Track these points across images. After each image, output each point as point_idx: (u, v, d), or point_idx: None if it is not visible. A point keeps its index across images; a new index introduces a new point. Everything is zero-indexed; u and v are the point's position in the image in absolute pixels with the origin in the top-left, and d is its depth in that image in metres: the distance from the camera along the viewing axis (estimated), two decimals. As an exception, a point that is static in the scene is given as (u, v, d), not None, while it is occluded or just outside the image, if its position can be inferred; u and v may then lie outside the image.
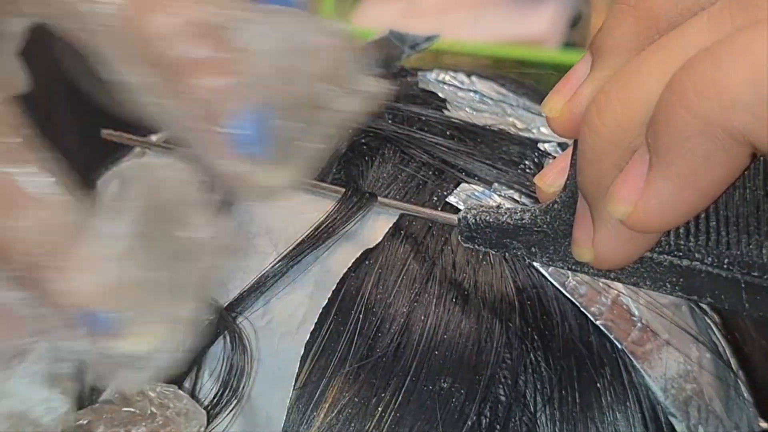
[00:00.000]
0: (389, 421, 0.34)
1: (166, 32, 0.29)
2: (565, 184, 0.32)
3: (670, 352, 0.39)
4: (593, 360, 0.37)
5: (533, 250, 0.33)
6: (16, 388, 0.34)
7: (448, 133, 0.42)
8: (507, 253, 0.34)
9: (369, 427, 0.34)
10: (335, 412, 0.34)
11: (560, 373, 0.36)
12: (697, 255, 0.30)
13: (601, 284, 0.39)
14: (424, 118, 0.43)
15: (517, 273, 0.38)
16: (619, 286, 0.39)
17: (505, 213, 0.33)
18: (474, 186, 0.40)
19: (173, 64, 0.29)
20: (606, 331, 0.38)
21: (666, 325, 0.40)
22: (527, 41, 1.11)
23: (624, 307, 0.39)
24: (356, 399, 0.34)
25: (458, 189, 0.39)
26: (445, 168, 0.40)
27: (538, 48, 1.10)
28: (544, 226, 0.33)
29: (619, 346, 0.38)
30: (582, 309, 0.38)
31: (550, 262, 0.33)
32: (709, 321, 0.42)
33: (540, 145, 0.44)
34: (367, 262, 0.36)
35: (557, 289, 0.38)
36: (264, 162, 0.29)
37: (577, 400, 0.36)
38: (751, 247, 0.29)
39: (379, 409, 0.34)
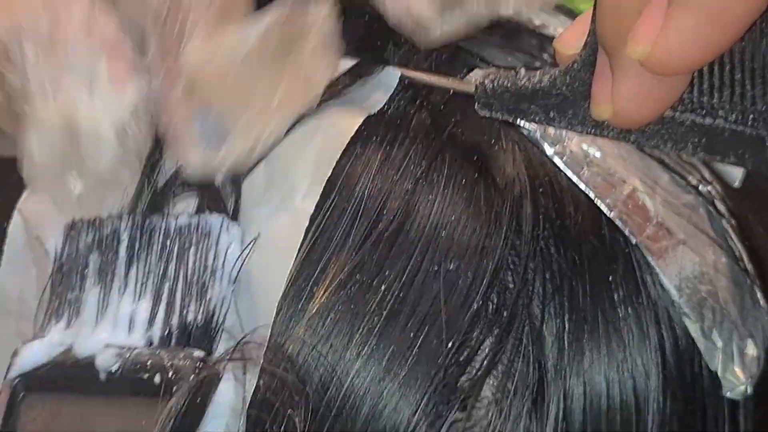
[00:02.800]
0: (392, 300, 0.33)
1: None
2: (586, 42, 0.30)
3: (686, 252, 0.38)
4: (606, 253, 0.36)
5: (551, 114, 0.32)
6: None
7: None
8: (525, 120, 0.33)
9: (371, 307, 0.33)
10: (336, 288, 0.33)
11: (571, 263, 0.35)
12: (720, 112, 0.29)
13: (616, 177, 0.37)
14: None
15: (530, 159, 0.36)
16: (636, 181, 0.38)
17: (524, 77, 0.32)
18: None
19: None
20: (620, 225, 0.36)
21: (682, 224, 0.38)
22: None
23: (640, 202, 0.37)
24: (358, 276, 0.33)
25: (471, 73, 0.38)
26: (458, 53, 0.39)
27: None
28: (564, 88, 0.31)
29: (634, 240, 0.36)
30: (596, 200, 0.36)
31: (569, 126, 0.32)
32: (726, 225, 0.40)
33: (558, 41, 0.42)
34: (375, 138, 0.35)
35: (570, 179, 0.37)
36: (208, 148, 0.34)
37: (588, 293, 0.35)
38: None
39: (382, 287, 0.33)
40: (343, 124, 0.35)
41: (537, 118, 0.32)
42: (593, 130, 0.31)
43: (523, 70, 0.33)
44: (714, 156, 0.29)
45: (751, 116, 0.28)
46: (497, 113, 0.33)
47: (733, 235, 0.40)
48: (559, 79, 0.31)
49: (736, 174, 0.42)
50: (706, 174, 0.41)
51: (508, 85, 0.32)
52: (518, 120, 0.33)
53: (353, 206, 0.34)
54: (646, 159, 0.39)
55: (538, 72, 0.32)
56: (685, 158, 0.41)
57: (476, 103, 0.33)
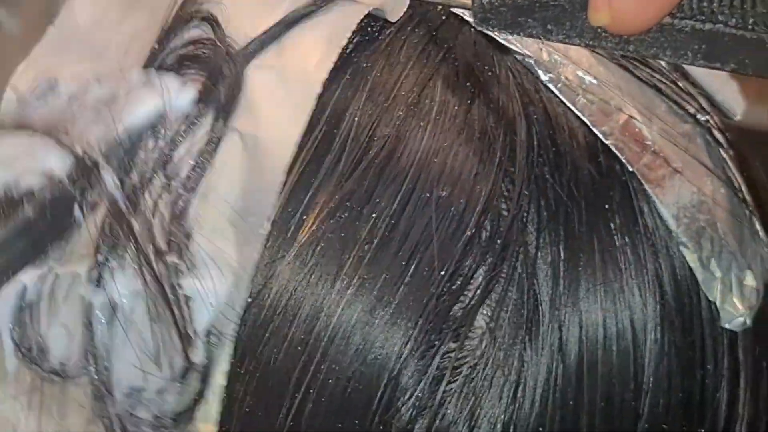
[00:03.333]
0: (383, 228, 0.32)
1: None
2: None
3: (683, 182, 0.37)
4: (602, 181, 0.35)
5: (549, 27, 0.31)
6: None
7: None
8: (522, 34, 0.32)
9: (362, 235, 0.32)
10: (326, 216, 0.32)
11: (567, 190, 0.34)
12: (720, 17, 0.28)
13: (612, 106, 0.36)
14: None
15: (524, 86, 0.35)
16: (632, 110, 0.37)
17: None
18: None
19: None
20: (617, 152, 0.35)
21: (680, 154, 0.37)
22: None
23: (636, 130, 0.36)
24: (348, 204, 0.32)
25: None
26: None
27: None
28: None
29: (630, 168, 0.35)
30: (592, 127, 0.35)
31: (567, 39, 0.31)
32: (724, 155, 0.40)
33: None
34: (364, 65, 0.34)
35: (566, 106, 0.36)
36: None
37: (584, 220, 0.34)
38: None
39: (373, 215, 0.32)
40: (352, 9, 0.34)
41: (534, 32, 0.32)
42: (592, 42, 0.31)
43: None
44: (714, 63, 0.29)
45: (752, 19, 0.28)
46: (494, 28, 0.32)
47: (731, 165, 0.40)
48: None
49: (737, 108, 0.42)
50: (704, 103, 0.40)
51: None
52: (516, 34, 0.32)
53: (343, 133, 0.33)
54: (644, 88, 0.39)
55: None
56: (683, 87, 0.40)
57: (474, 18, 0.32)
